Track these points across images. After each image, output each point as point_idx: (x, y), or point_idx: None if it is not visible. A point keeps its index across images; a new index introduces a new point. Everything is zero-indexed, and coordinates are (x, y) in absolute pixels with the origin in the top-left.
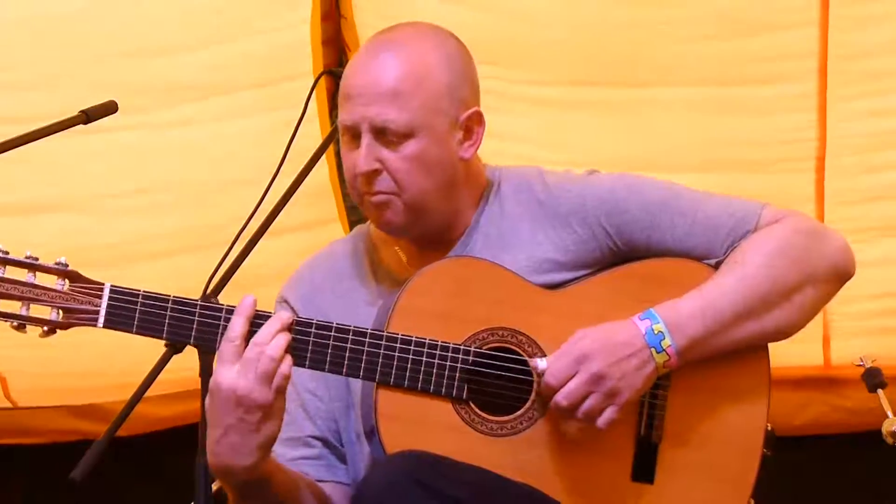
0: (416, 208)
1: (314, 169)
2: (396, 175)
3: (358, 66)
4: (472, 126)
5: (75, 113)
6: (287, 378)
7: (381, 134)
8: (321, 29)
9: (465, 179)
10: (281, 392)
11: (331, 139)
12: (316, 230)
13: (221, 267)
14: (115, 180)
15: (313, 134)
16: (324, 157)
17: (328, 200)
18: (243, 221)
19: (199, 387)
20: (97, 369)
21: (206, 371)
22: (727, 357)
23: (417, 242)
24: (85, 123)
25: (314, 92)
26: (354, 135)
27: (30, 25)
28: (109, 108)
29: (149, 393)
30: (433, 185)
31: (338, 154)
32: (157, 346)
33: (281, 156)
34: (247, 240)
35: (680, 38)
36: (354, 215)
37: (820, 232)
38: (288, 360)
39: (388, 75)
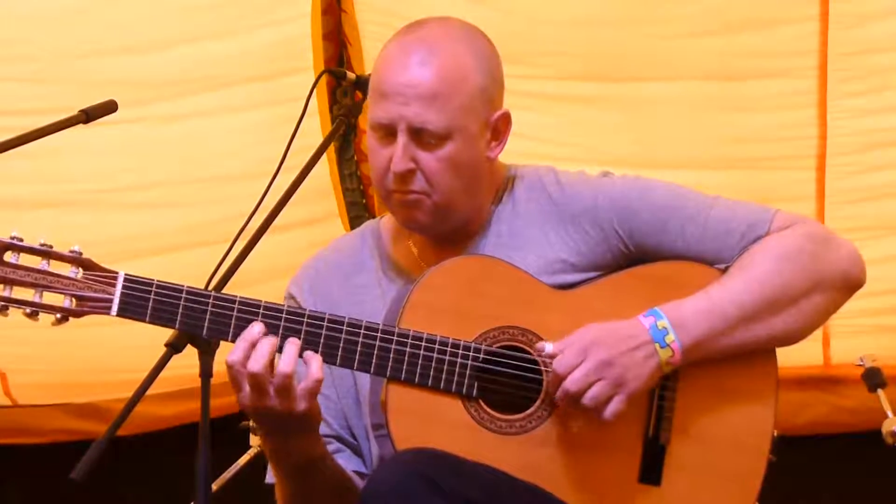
0: (444, 208)
1: (315, 166)
2: (431, 176)
3: (393, 63)
4: (501, 127)
5: (75, 109)
6: (313, 383)
7: (418, 134)
8: (322, 23)
9: (487, 178)
10: (306, 397)
11: (332, 137)
12: (316, 227)
13: (223, 264)
14: (115, 175)
15: (313, 129)
16: (324, 153)
17: (328, 197)
18: (244, 217)
19: (199, 384)
20: (97, 367)
21: (206, 372)
22: (735, 359)
23: (434, 238)
24: (85, 123)
25: (314, 88)
26: (389, 132)
27: (30, 19)
28: (109, 108)
29: (149, 391)
30: (462, 186)
31: (338, 151)
32: (158, 345)
33: (282, 151)
34: (248, 237)
35: (680, 33)
36: (354, 212)
37: (830, 239)
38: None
39: (426, 76)
